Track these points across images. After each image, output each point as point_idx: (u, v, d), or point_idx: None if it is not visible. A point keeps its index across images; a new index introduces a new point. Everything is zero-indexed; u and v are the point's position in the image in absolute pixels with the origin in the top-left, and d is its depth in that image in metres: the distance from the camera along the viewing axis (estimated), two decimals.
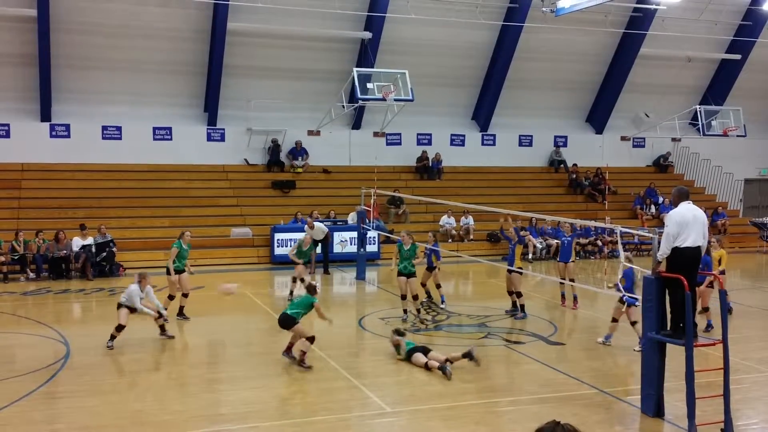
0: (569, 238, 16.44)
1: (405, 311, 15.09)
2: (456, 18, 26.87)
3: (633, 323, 12.44)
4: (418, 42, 27.52)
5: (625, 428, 9.30)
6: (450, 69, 28.65)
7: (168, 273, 14.98)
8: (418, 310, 15.22)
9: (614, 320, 12.95)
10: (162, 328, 13.38)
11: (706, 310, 14.07)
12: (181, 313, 15.09)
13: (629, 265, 12.43)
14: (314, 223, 21.38)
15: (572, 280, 16.04)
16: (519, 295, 15.48)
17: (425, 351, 11.76)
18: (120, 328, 12.75)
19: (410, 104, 25.72)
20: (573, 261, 16.34)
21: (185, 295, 15.17)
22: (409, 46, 27.51)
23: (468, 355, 11.38)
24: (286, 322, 11.67)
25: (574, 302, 16.30)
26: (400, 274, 15.09)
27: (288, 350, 11.82)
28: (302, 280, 17.03)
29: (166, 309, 13.73)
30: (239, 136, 27.23)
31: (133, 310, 12.94)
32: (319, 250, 21.86)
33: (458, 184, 28.37)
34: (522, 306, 15.44)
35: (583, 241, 25.68)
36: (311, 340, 11.64)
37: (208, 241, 23.33)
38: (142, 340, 13.38)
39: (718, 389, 8.96)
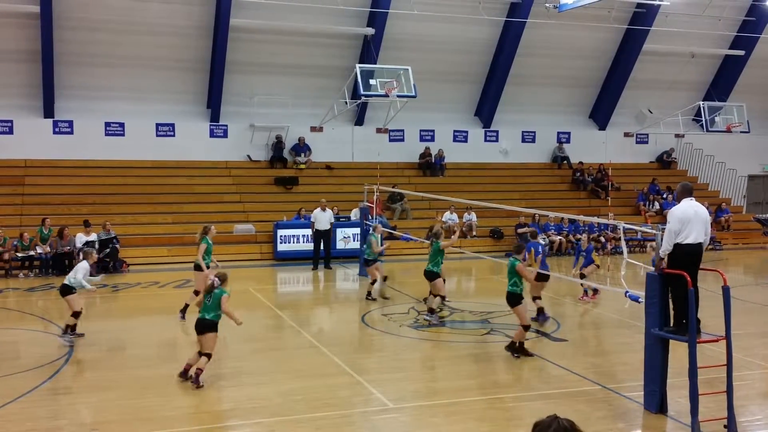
0: (585, 253, 16.90)
1: (432, 311, 14.67)
2: (459, 14, 26.83)
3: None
4: (421, 38, 27.50)
5: (627, 424, 9.29)
6: (453, 65, 28.63)
7: (198, 269, 14.75)
8: (432, 310, 14.86)
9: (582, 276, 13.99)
10: (73, 327, 12.82)
11: None
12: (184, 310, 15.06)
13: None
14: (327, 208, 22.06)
15: (582, 275, 16.16)
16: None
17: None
18: (78, 314, 12.71)
19: (413, 100, 25.71)
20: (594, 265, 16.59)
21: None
22: (412, 42, 27.49)
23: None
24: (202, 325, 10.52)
25: (584, 294, 16.46)
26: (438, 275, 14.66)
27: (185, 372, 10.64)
28: (385, 279, 17.64)
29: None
30: (242, 132, 27.25)
31: (70, 290, 12.76)
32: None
33: (461, 181, 28.36)
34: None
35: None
36: (209, 356, 10.52)
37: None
38: (145, 336, 13.40)
39: (721, 386, 8.95)
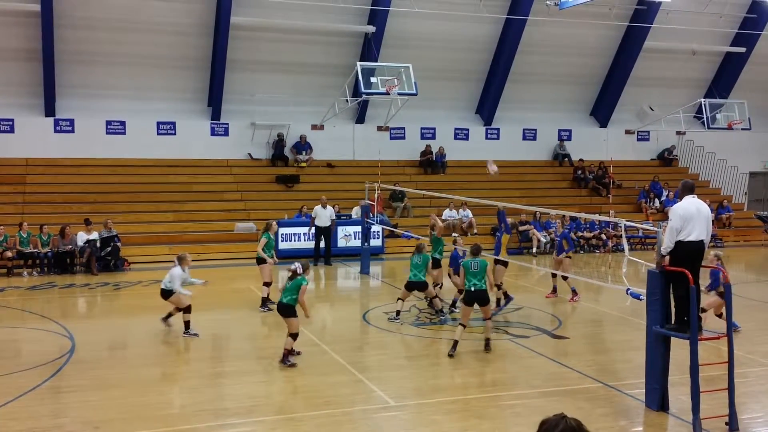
0: (559, 237, 17.05)
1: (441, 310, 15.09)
2: (460, 11, 26.80)
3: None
4: (422, 36, 27.47)
5: (629, 422, 9.30)
6: (454, 63, 28.60)
7: (262, 262, 15.56)
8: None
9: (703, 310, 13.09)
10: (186, 324, 13.07)
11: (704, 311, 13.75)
12: (264, 303, 15.42)
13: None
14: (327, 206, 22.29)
15: (563, 276, 16.11)
16: (498, 287, 15.38)
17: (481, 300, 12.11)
18: (188, 309, 13.02)
19: (414, 98, 25.68)
20: (565, 255, 16.43)
21: (267, 284, 15.54)
22: (413, 40, 27.45)
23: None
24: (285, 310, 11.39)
25: (574, 295, 16.35)
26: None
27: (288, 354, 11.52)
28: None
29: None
30: (243, 130, 27.24)
31: (170, 293, 13.03)
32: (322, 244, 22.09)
33: (462, 178, 28.33)
34: (505, 293, 15.59)
35: (587, 234, 25.69)
36: (294, 336, 11.36)
37: (211, 236, 23.37)
38: (147, 334, 13.41)
39: (722, 383, 8.95)
